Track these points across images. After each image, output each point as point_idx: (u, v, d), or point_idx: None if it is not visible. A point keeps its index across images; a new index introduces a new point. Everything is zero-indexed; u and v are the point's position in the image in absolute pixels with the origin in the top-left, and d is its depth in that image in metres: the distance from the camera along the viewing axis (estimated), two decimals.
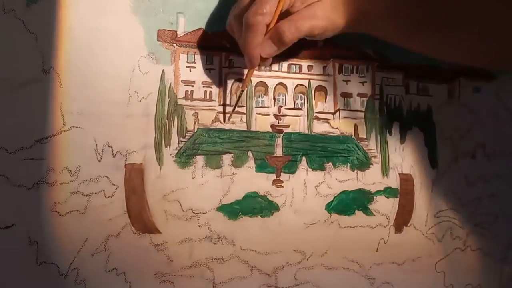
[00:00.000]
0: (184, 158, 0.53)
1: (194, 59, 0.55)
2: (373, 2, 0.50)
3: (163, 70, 0.54)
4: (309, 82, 0.58)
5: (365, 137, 0.58)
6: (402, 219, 0.58)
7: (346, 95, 0.59)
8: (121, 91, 0.52)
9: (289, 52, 0.54)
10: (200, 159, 0.54)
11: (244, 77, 0.55)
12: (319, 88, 0.58)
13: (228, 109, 0.55)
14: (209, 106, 0.55)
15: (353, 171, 0.57)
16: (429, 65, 0.61)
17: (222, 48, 0.56)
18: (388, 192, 0.58)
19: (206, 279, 0.52)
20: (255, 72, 0.56)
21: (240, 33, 0.50)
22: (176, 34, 0.55)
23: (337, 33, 0.52)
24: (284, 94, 0.57)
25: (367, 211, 0.57)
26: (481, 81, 0.63)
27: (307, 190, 0.56)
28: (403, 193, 0.58)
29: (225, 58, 0.56)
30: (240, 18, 0.49)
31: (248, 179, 0.55)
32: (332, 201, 0.56)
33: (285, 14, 0.50)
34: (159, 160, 0.52)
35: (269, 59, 0.53)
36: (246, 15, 0.48)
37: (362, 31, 0.54)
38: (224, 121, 0.55)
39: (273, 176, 0.55)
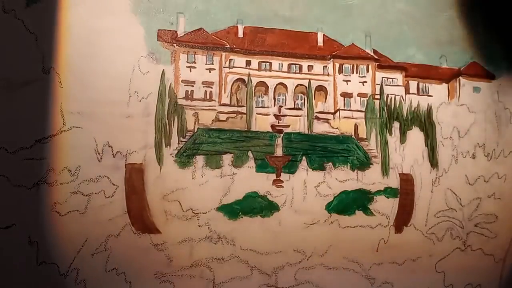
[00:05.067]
0: (184, 158, 0.53)
1: (194, 59, 0.55)
2: None
3: (163, 70, 0.54)
4: (309, 82, 0.58)
5: (365, 137, 0.58)
6: (402, 219, 0.58)
7: (346, 95, 0.59)
8: (121, 91, 0.52)
9: (289, 52, 0.53)
10: (200, 159, 0.54)
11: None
12: (319, 88, 0.58)
13: (228, 108, 0.55)
14: (209, 106, 0.55)
15: (353, 171, 0.57)
16: (429, 65, 0.61)
17: (222, 48, 0.56)
18: (388, 192, 0.58)
19: (206, 279, 0.52)
20: (255, 72, 0.56)
21: None
22: (176, 34, 0.55)
23: None
24: (284, 94, 0.57)
25: (367, 211, 0.57)
26: (481, 81, 0.63)
27: (307, 190, 0.56)
28: (403, 193, 0.58)
29: (225, 58, 0.56)
30: None
31: (248, 179, 0.54)
32: (332, 201, 0.56)
33: None
34: (159, 160, 0.52)
35: None
36: None
37: None
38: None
39: (273, 176, 0.55)
